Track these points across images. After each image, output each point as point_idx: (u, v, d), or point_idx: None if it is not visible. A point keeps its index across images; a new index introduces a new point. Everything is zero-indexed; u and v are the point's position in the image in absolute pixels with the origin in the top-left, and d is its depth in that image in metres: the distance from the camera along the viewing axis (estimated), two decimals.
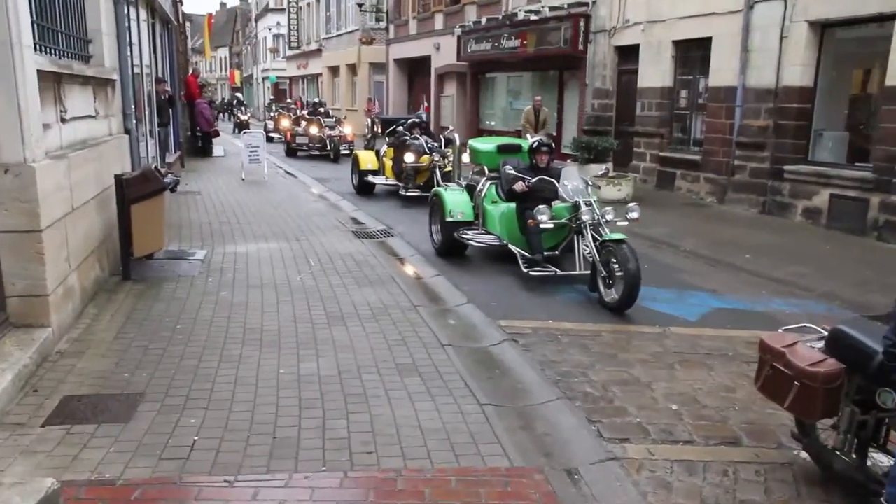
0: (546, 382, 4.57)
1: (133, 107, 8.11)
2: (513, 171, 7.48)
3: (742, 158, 12.09)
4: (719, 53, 12.42)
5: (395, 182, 12.75)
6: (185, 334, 5.00)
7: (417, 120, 13.62)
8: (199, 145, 19.00)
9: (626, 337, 5.65)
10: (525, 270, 6.99)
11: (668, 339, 5.63)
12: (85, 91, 6.15)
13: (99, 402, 3.85)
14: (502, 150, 8.55)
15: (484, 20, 20.32)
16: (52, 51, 5.38)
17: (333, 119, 20.82)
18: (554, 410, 4.14)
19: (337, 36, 35.45)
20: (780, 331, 3.62)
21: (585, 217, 6.69)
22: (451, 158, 11.87)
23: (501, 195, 7.95)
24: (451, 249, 8.06)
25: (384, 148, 13.46)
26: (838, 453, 3.25)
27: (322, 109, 21.91)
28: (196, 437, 3.53)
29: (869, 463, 3.21)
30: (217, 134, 20.29)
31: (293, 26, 42.84)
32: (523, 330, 5.65)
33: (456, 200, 8.04)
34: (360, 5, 30.54)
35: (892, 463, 2.85)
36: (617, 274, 6.18)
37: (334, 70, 36.79)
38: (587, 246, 6.66)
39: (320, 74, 39.55)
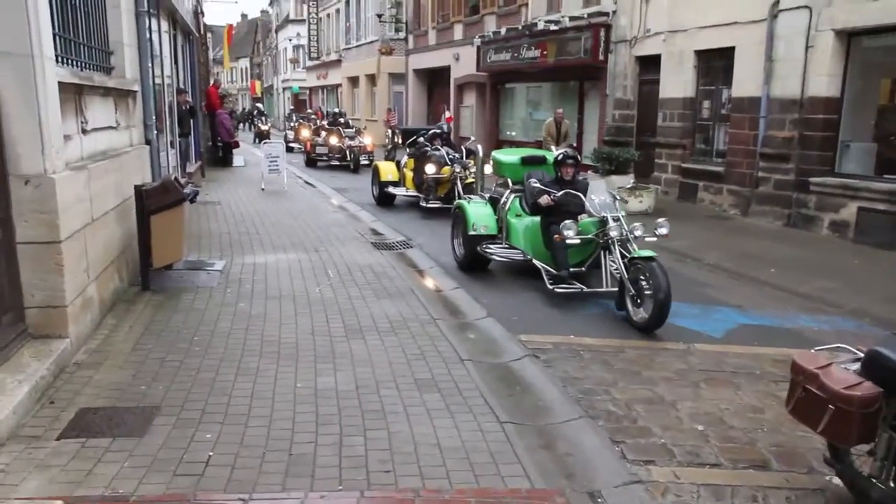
0: (568, 400, 4.47)
1: (154, 117, 8.14)
2: (538, 185, 7.31)
3: (766, 170, 11.90)
4: (742, 63, 12.27)
5: (415, 193, 12.68)
6: (202, 346, 4.96)
7: (439, 131, 13.52)
8: (220, 155, 19.13)
9: (650, 353, 5.53)
10: (550, 287, 6.76)
11: (692, 355, 5.50)
12: (106, 102, 6.17)
13: (115, 415, 3.81)
14: (526, 161, 8.35)
15: (503, 30, 20.30)
16: (74, 62, 5.40)
17: (353, 129, 20.85)
18: (576, 430, 4.04)
19: (356, 46, 35.64)
20: (812, 351, 3.50)
21: (613, 233, 6.48)
22: (472, 170, 11.77)
23: (525, 208, 7.76)
24: (473, 263, 7.89)
25: (405, 159, 13.39)
26: (874, 481, 3.12)
27: (342, 120, 21.97)
28: (211, 453, 3.48)
29: None
30: (237, 145, 20.42)
31: (313, 37, 43.15)
32: (544, 345, 5.56)
33: (479, 213, 7.87)
34: (379, 16, 30.68)
35: None
36: (646, 292, 5.96)
37: (354, 80, 36.96)
38: (615, 263, 6.47)
39: (340, 85, 39.77)
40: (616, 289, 6.42)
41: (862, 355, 3.20)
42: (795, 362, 3.39)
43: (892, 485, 3.07)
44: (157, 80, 9.94)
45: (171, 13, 12.29)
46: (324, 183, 16.26)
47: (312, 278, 7.04)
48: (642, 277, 6.02)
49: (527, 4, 19.70)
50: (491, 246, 7.73)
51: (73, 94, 5.12)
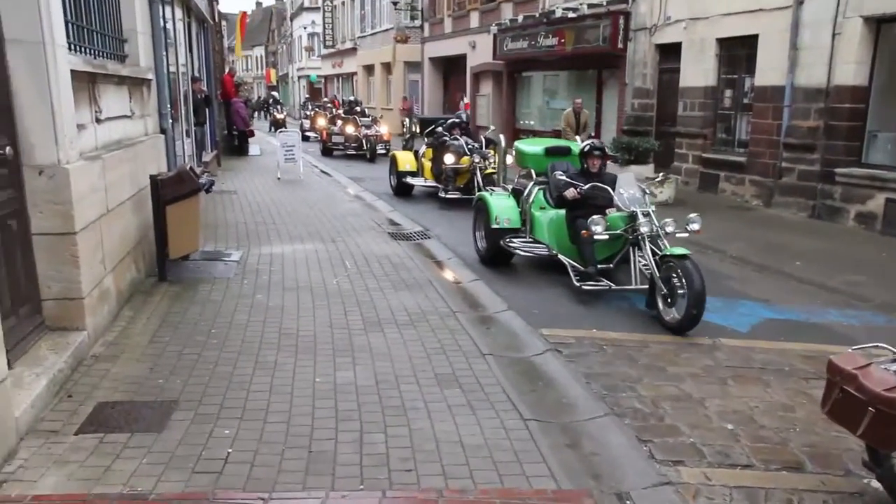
0: (592, 397, 4.36)
1: (169, 106, 8.07)
2: (563, 177, 7.09)
3: (790, 160, 11.67)
4: (766, 51, 12.01)
5: (434, 184, 12.51)
6: (219, 339, 4.90)
7: (457, 120, 13.30)
8: (236, 144, 19.08)
9: (675, 348, 5.40)
10: (577, 284, 6.50)
11: (718, 351, 5.37)
12: (120, 91, 6.10)
13: (132, 410, 3.76)
14: (550, 152, 8.09)
15: (520, 18, 20.05)
16: (88, 50, 5.33)
17: (370, 118, 20.69)
18: (602, 428, 3.93)
19: (371, 34, 35.45)
20: (850, 351, 3.36)
21: (644, 229, 6.21)
22: (491, 160, 11.60)
23: (550, 201, 7.53)
24: (496, 258, 7.68)
25: (423, 148, 13.23)
26: None
27: (358, 108, 21.83)
28: (230, 450, 3.41)
29: None
30: (252, 133, 20.36)
31: (328, 25, 43.00)
32: (566, 339, 5.44)
33: (502, 206, 7.65)
34: (394, 3, 30.47)
35: None
36: (679, 292, 5.72)
37: (369, 69, 36.81)
38: (645, 259, 6.24)
39: (355, 73, 39.63)
40: (646, 286, 6.18)
41: None
42: (832, 362, 3.26)
43: None
44: (172, 69, 9.87)
45: (186, 1, 12.21)
46: (340, 172, 16.17)
47: (329, 269, 6.96)
48: (674, 276, 5.77)
49: None
50: (514, 240, 7.49)
51: (86, 83, 5.04)
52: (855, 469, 3.57)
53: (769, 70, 11.94)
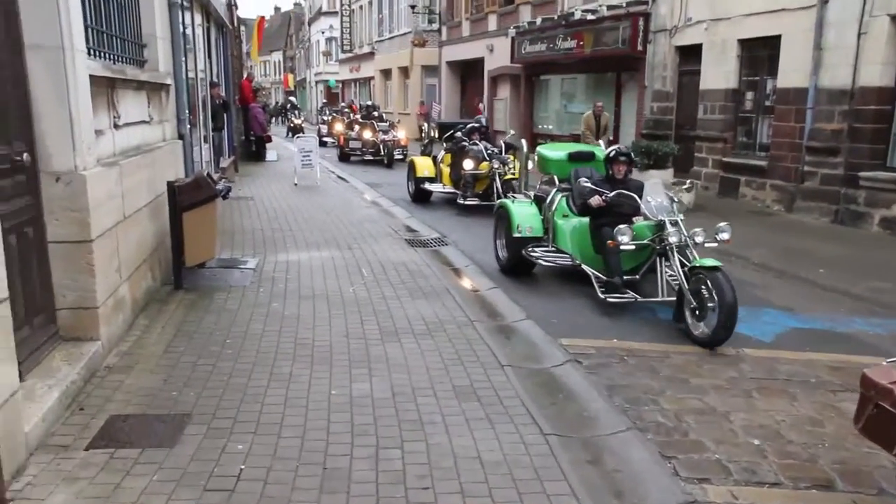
0: (614, 410, 4.25)
1: (188, 112, 8.06)
2: (588, 184, 6.83)
3: (813, 164, 11.46)
4: (789, 52, 11.82)
5: (452, 190, 12.32)
6: (234, 349, 4.84)
7: (477, 125, 13.08)
8: (253, 150, 19.13)
9: (697, 359, 5.27)
10: (602, 296, 6.28)
11: (742, 362, 5.23)
12: (139, 96, 6.08)
13: (145, 423, 3.70)
14: (574, 158, 7.86)
15: (539, 20, 19.95)
16: (107, 55, 5.30)
17: (387, 123, 20.62)
18: (624, 443, 3.82)
19: (389, 38, 35.50)
20: (885, 363, 3.23)
21: (672, 239, 5.92)
22: (510, 166, 11.45)
23: (573, 208, 7.29)
24: (517, 267, 7.46)
25: (441, 154, 13.06)
26: None
27: (375, 113, 21.81)
28: (243, 466, 3.34)
29: None
30: (270, 139, 20.40)
31: (346, 29, 43.12)
32: (586, 350, 5.33)
33: (524, 214, 7.42)
34: (412, 7, 30.48)
35: None
36: (709, 305, 5.48)
37: (386, 73, 36.86)
38: (673, 271, 5.97)
39: (372, 77, 39.70)
40: (673, 298, 5.96)
41: None
42: (866, 376, 3.14)
43: None
44: (191, 74, 9.88)
45: (205, 6, 12.24)
46: (356, 178, 16.14)
47: (346, 277, 6.90)
48: (704, 288, 5.53)
49: None
50: (536, 249, 7.28)
51: (105, 88, 5.03)
52: (888, 488, 3.45)
53: (792, 71, 11.75)
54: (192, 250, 6.28)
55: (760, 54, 12.79)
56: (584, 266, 6.80)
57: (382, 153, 19.29)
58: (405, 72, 33.33)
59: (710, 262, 5.61)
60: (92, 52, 4.85)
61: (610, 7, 16.52)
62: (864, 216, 10.64)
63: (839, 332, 6.05)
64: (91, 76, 4.53)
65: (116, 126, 5.35)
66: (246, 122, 19.20)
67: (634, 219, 6.38)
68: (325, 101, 47.63)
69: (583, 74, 19.59)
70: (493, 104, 24.85)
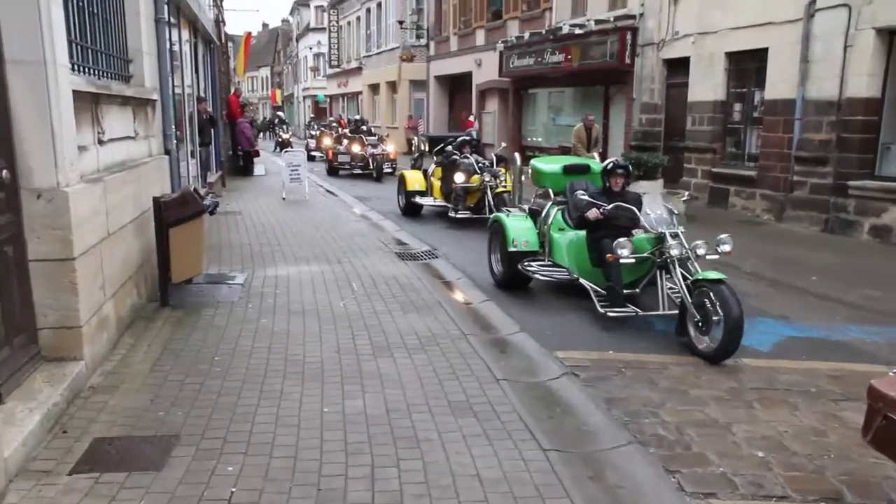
0: (614, 423, 4.16)
1: (174, 127, 7.95)
2: (586, 197, 6.68)
3: (802, 174, 11.49)
4: (776, 64, 11.88)
5: (443, 203, 12.22)
6: (223, 367, 4.71)
7: (468, 138, 13.01)
8: (241, 164, 19.02)
9: (695, 370, 5.19)
10: (602, 311, 6.13)
11: (741, 372, 5.16)
12: (124, 111, 5.98)
13: (131, 446, 3.56)
14: (569, 170, 7.74)
15: (527, 35, 20.02)
16: (91, 70, 5.21)
17: (376, 137, 20.56)
18: (626, 457, 3.73)
19: (377, 54, 35.56)
20: (891, 374, 3.16)
21: (674, 251, 5.78)
22: (502, 178, 11.38)
23: (569, 222, 7.18)
24: (513, 282, 7.33)
25: (432, 167, 12.97)
26: None
27: (364, 127, 21.73)
28: (233, 489, 3.21)
29: None
30: (258, 154, 20.30)
31: (334, 45, 43.18)
32: (582, 362, 5.25)
33: (519, 228, 7.29)
34: (400, 23, 30.57)
35: None
36: (713, 318, 5.33)
37: (374, 88, 36.89)
38: (674, 284, 5.82)
39: (360, 92, 39.72)
40: (674, 312, 5.83)
41: None
42: (873, 387, 3.06)
43: None
44: (178, 89, 9.78)
45: (193, 22, 12.18)
46: (345, 191, 16.05)
47: (336, 291, 6.79)
48: (708, 301, 5.38)
49: (551, 8, 19.42)
50: (532, 263, 7.13)
51: (89, 103, 4.92)
52: None
53: (779, 83, 11.81)
54: (179, 266, 6.15)
55: (748, 67, 12.86)
56: (581, 280, 6.68)
57: (371, 167, 19.21)
58: (393, 86, 33.36)
59: (713, 274, 5.49)
60: (76, 67, 4.75)
61: (598, 21, 16.58)
62: (853, 224, 10.65)
63: (836, 341, 6.00)
64: (75, 91, 4.43)
65: (101, 142, 5.23)
66: (233, 137, 19.10)
67: (633, 231, 6.25)
68: (312, 115, 47.59)
69: (570, 88, 19.64)
70: (482, 118, 24.87)
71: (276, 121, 37.77)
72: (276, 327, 5.61)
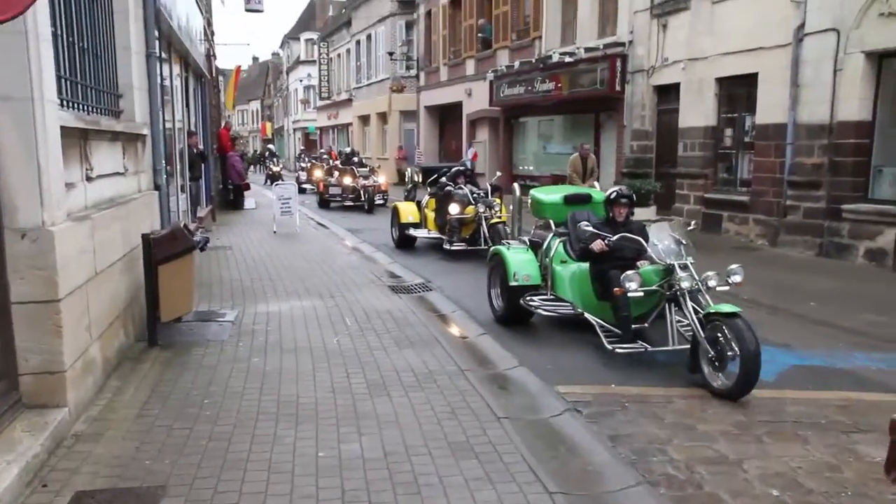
0: (620, 463, 4.01)
1: (164, 162, 7.85)
2: (589, 228, 6.43)
3: (795, 198, 11.49)
4: (767, 90, 11.95)
5: (438, 235, 11.98)
6: (213, 410, 4.54)
7: (462, 168, 12.84)
8: (231, 198, 18.91)
9: (701, 403, 5.06)
10: (609, 347, 5.83)
11: (748, 403, 5.02)
12: (114, 147, 5.87)
13: (115, 499, 3.38)
14: (570, 201, 7.50)
15: (517, 64, 20.16)
16: (81, 106, 5.11)
17: (367, 169, 20.49)
18: (635, 499, 3.57)
19: (367, 85, 35.76)
20: None
21: (684, 284, 5.54)
22: (496, 209, 11.23)
23: (571, 253, 6.92)
24: (514, 317, 7.08)
25: (426, 199, 12.79)
26: None
27: (356, 159, 21.72)
28: None
29: None
30: (248, 187, 20.22)
31: (324, 77, 43.45)
32: (584, 396, 5.10)
33: (520, 261, 7.00)
34: (390, 54, 30.79)
35: None
36: (728, 353, 5.10)
37: (364, 119, 37.04)
38: (684, 317, 5.59)
39: (350, 124, 39.88)
40: (685, 346, 5.58)
41: None
42: None
43: None
44: (169, 124, 9.70)
45: (184, 57, 12.15)
46: (337, 224, 15.93)
47: (329, 327, 6.64)
48: (721, 336, 5.15)
49: (540, 37, 19.58)
50: (535, 298, 6.85)
51: (77, 139, 4.81)
52: None
53: (770, 108, 11.86)
54: (168, 304, 6.00)
55: (738, 92, 12.93)
56: (587, 315, 6.39)
57: (363, 199, 19.12)
58: (383, 117, 33.50)
59: (727, 307, 5.23)
60: (65, 102, 4.66)
61: (587, 49, 16.71)
62: (848, 248, 10.62)
63: (841, 369, 5.90)
64: (63, 127, 4.32)
65: (89, 178, 5.11)
66: (224, 170, 19.02)
67: (639, 263, 6.04)
68: (303, 147, 47.70)
69: (561, 116, 19.75)
70: (473, 147, 24.93)
71: (267, 153, 37.87)
72: (268, 366, 5.45)
